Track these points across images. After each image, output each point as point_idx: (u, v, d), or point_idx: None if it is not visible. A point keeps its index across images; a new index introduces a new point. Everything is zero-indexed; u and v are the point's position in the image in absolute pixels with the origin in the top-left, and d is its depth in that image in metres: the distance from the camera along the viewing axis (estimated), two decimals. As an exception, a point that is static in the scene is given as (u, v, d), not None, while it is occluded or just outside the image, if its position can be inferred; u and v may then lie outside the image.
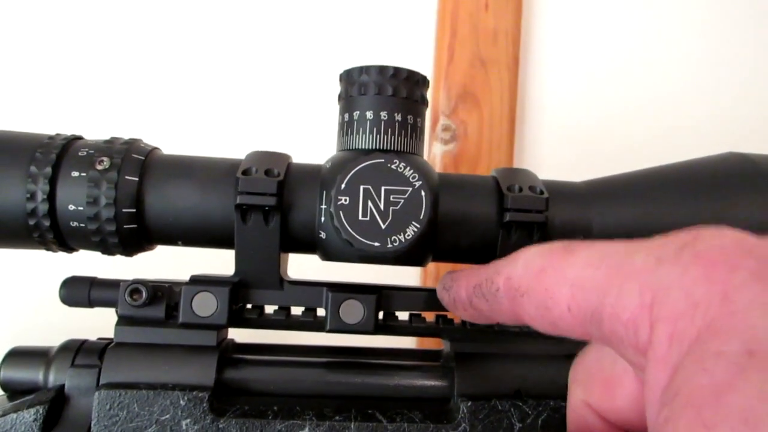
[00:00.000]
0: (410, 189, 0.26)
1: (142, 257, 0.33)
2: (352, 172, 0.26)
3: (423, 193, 0.26)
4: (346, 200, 0.26)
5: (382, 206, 0.26)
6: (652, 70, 0.64)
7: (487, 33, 0.63)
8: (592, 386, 0.24)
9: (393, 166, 0.26)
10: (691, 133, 0.63)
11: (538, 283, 0.21)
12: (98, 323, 0.36)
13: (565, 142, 0.64)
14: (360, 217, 0.26)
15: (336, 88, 0.30)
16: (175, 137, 0.41)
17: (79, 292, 0.31)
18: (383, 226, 0.26)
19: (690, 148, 0.61)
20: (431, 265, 0.35)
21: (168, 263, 0.39)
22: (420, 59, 0.62)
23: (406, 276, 0.54)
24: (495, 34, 0.63)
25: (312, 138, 0.59)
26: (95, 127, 0.38)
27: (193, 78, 0.58)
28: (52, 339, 0.36)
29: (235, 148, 0.34)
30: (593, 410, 0.24)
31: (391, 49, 0.62)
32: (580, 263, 0.20)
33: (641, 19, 0.64)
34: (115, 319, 0.32)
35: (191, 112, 0.58)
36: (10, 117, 0.56)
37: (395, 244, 0.26)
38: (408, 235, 0.26)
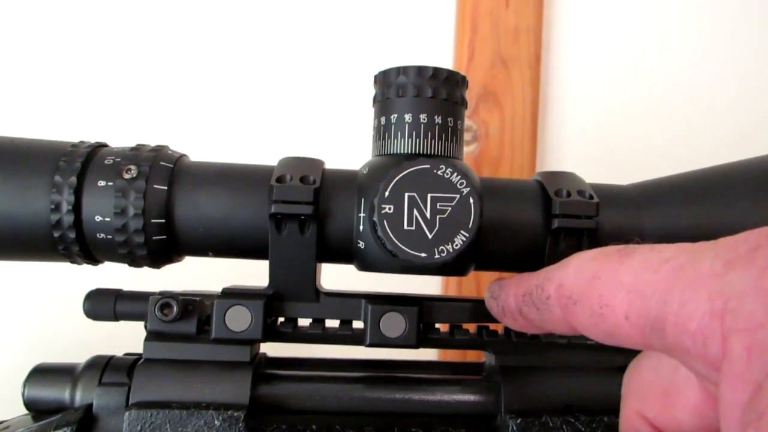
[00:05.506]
0: (458, 196, 0.25)
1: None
2: (396, 179, 0.25)
3: (471, 200, 0.25)
4: (390, 209, 0.25)
5: (428, 215, 0.25)
6: (676, 66, 0.62)
7: (508, 31, 0.61)
8: (648, 397, 0.22)
9: (439, 172, 0.25)
10: (718, 130, 0.62)
11: (592, 290, 0.20)
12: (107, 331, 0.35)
13: (589, 141, 0.62)
14: (405, 227, 0.25)
15: (353, 88, 0.28)
16: (190, 142, 0.39)
17: (104, 305, 0.30)
18: (430, 236, 0.25)
19: (717, 145, 0.60)
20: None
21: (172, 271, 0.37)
22: (440, 58, 0.61)
23: (417, 284, 0.53)
24: (516, 32, 0.61)
25: (330, 140, 0.58)
26: (117, 133, 0.37)
27: (208, 81, 0.57)
28: (70, 348, 0.35)
29: (254, 152, 0.33)
30: (649, 423, 0.22)
31: (410, 49, 0.60)
32: (637, 267, 0.19)
33: (664, 15, 0.62)
34: (135, 329, 0.30)
35: (208, 116, 0.57)
36: (24, 123, 0.55)
37: (443, 255, 0.25)
38: (456, 245, 0.25)
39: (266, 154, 0.32)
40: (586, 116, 0.62)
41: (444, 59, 0.61)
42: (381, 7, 0.59)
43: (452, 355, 0.54)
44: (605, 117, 0.62)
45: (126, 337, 0.34)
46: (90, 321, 0.31)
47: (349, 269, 0.30)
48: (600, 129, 0.62)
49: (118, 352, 0.31)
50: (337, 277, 0.34)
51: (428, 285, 0.56)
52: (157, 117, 0.56)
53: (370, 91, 0.30)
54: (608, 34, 0.62)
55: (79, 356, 0.31)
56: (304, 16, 0.58)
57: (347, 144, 0.56)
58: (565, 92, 0.63)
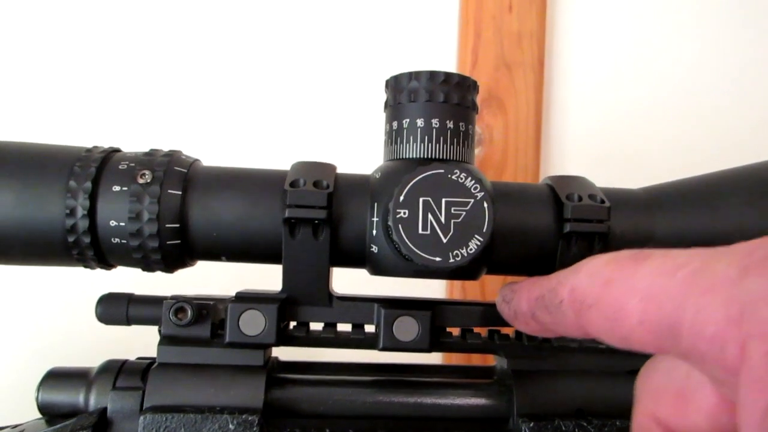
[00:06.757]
0: (472, 200, 0.25)
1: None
2: (411, 184, 0.25)
3: (485, 205, 0.25)
4: (405, 213, 0.25)
5: (443, 219, 0.25)
6: (679, 70, 0.63)
7: (512, 35, 0.62)
8: (661, 399, 0.22)
9: (453, 177, 0.25)
10: (722, 133, 0.62)
11: (606, 295, 0.20)
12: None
13: (592, 145, 0.63)
14: (420, 231, 0.25)
15: (358, 93, 0.28)
16: (202, 147, 0.39)
17: (117, 309, 0.30)
18: (445, 240, 0.25)
19: (721, 148, 0.61)
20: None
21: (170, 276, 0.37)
22: (444, 63, 0.61)
23: (420, 287, 0.53)
24: (519, 36, 0.62)
25: (335, 145, 0.58)
26: (129, 138, 0.37)
27: (219, 87, 0.57)
28: (79, 353, 0.35)
29: (262, 157, 0.33)
30: (662, 425, 0.22)
31: (414, 53, 0.60)
32: (652, 272, 0.19)
33: (667, 19, 0.63)
34: (143, 331, 0.31)
35: (219, 122, 0.57)
36: (38, 128, 0.55)
37: (457, 259, 0.25)
38: (470, 249, 0.25)
39: (273, 159, 0.32)
40: (589, 120, 0.63)
41: (448, 64, 0.61)
42: (385, 13, 0.60)
43: (457, 359, 0.54)
44: (609, 120, 0.63)
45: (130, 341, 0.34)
46: (98, 325, 0.31)
47: (353, 274, 0.30)
48: (603, 132, 0.63)
49: (126, 357, 0.31)
50: (340, 281, 0.34)
51: (430, 287, 0.57)
52: (170, 122, 0.56)
53: (374, 95, 0.30)
54: (611, 38, 0.63)
55: (87, 361, 0.31)
56: (313, 23, 0.59)
57: (349, 148, 0.56)
58: (569, 96, 0.63)
